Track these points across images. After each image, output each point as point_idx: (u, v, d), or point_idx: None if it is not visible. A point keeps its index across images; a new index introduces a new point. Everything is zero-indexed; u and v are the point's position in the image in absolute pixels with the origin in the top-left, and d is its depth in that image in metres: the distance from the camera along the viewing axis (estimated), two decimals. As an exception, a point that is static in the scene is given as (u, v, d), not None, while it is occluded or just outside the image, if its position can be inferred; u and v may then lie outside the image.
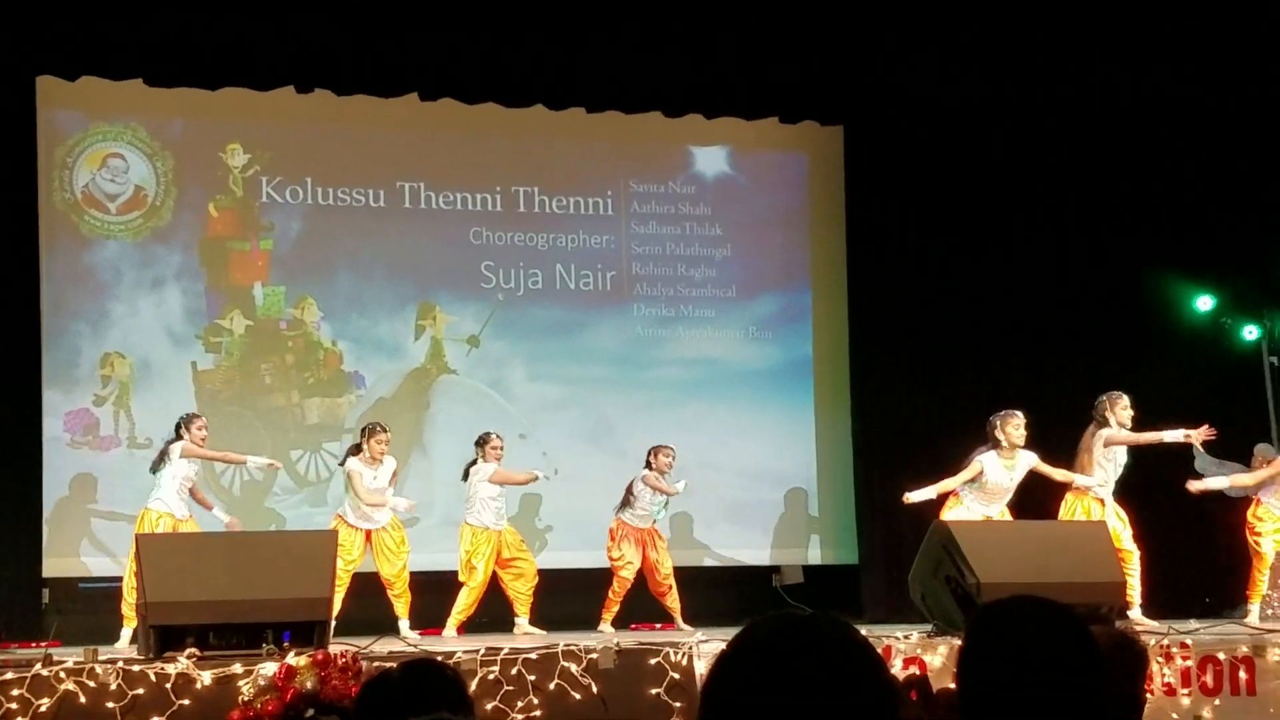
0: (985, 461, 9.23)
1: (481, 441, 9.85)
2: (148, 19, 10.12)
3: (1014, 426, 9.17)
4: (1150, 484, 10.67)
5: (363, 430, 9.79)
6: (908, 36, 11.22)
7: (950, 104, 11.58)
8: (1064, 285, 11.78)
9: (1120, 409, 9.44)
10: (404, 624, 9.42)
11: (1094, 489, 9.41)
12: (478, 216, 11.44)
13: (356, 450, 9.63)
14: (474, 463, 9.83)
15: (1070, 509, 9.47)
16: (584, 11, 10.73)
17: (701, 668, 7.53)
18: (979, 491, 9.27)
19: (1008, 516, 9.35)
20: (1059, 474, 9.35)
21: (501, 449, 9.86)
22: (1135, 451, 9.82)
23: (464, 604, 9.67)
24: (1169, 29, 11.04)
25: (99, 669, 6.96)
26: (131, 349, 10.60)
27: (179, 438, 9.29)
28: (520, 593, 9.78)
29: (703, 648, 7.58)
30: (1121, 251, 11.71)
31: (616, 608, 9.97)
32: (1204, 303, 11.54)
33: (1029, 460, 9.27)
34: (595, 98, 11.43)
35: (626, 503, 10.13)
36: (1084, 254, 11.72)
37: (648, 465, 10.19)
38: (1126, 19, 11.11)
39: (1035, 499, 9.72)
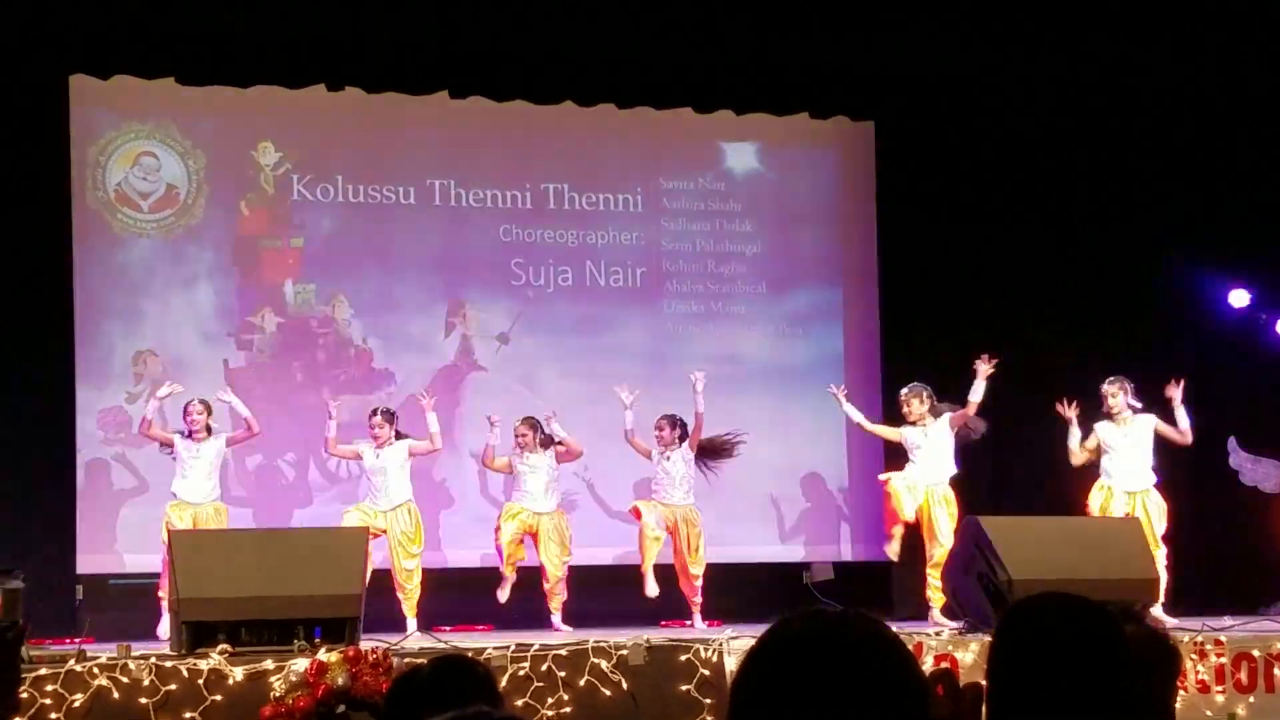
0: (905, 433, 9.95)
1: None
2: (180, 17, 10.17)
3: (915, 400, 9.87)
4: (1187, 477, 10.62)
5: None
6: (938, 31, 11.16)
7: (981, 99, 11.53)
8: (1098, 280, 11.70)
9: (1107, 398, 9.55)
10: (411, 623, 9.33)
11: (1107, 480, 9.47)
12: (507, 214, 11.44)
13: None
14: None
15: (1095, 500, 9.49)
16: (614, 7, 10.72)
17: (732, 664, 7.53)
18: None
19: (944, 486, 9.75)
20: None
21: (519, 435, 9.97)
22: (1168, 446, 9.79)
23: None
24: (1211, 18, 10.94)
25: (132, 665, 7.00)
26: (164, 347, 10.65)
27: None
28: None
29: (733, 644, 7.58)
30: (1156, 246, 11.63)
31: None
32: (1239, 297, 11.45)
33: (942, 425, 9.89)
34: (625, 94, 11.43)
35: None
36: (1118, 249, 11.64)
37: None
38: (1163, 7, 11.02)
39: (1067, 497, 9.70)
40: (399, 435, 9.86)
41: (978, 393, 9.82)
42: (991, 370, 9.83)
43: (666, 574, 10.12)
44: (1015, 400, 10.45)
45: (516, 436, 9.97)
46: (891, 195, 11.93)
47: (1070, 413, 9.69)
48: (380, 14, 10.43)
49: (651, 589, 9.98)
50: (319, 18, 10.36)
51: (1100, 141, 11.53)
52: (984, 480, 11.59)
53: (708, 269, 11.79)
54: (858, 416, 10.25)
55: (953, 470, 9.87)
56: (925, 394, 9.95)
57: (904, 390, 10.08)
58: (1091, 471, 9.74)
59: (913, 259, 11.80)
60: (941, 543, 9.51)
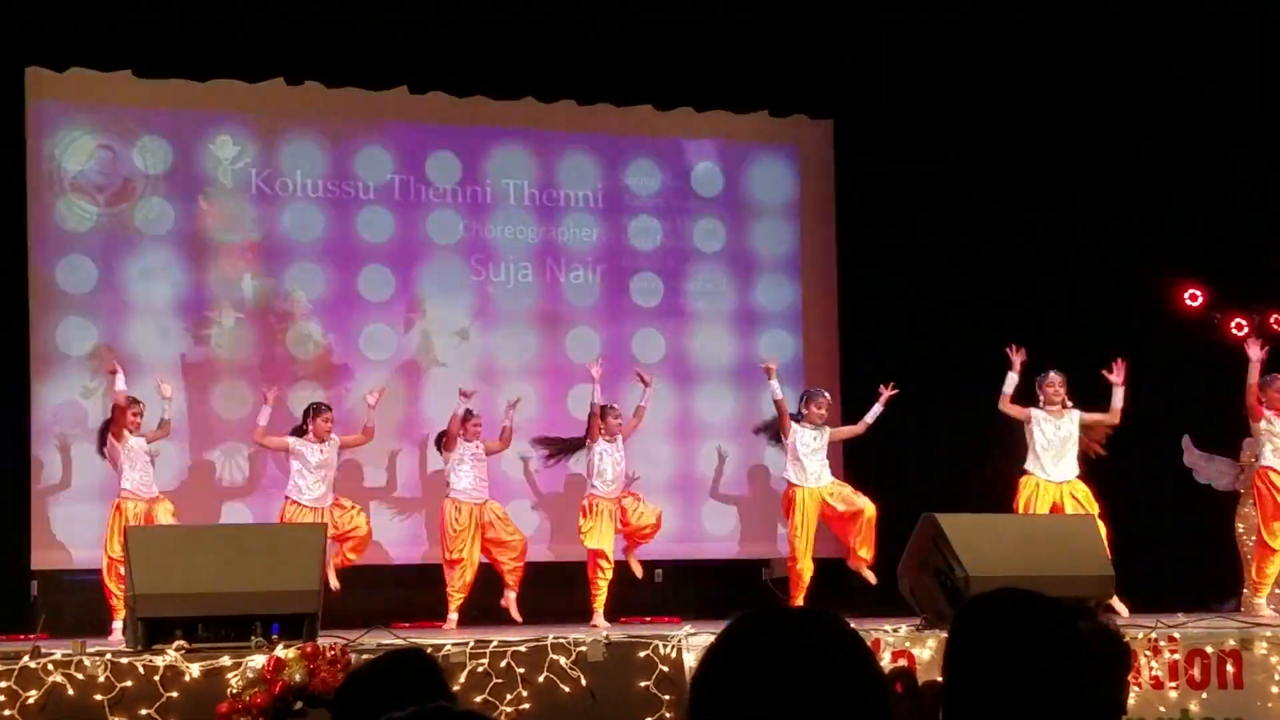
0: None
1: None
2: (137, 10, 10.09)
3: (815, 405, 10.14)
4: (1144, 477, 10.72)
5: (306, 411, 9.88)
6: (897, 30, 11.21)
7: (939, 98, 11.59)
8: (1054, 279, 11.80)
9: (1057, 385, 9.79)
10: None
11: (1034, 471, 9.69)
12: (467, 209, 11.42)
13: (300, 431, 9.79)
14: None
15: (1024, 492, 9.79)
16: (575, 3, 10.71)
17: (690, 660, 7.54)
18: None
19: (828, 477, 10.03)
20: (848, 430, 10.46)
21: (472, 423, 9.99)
22: (1124, 443, 9.91)
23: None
24: (1167, 18, 11.02)
25: (87, 661, 6.96)
26: (120, 341, 10.57)
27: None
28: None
29: (691, 640, 7.60)
30: (1111, 245, 11.73)
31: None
32: (1194, 296, 11.55)
33: (826, 431, 10.15)
34: (586, 90, 11.42)
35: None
36: (1074, 247, 11.73)
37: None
38: (1121, 7, 11.11)
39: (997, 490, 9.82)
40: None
41: (873, 415, 10.19)
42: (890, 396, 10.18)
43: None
44: (974, 400, 10.50)
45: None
46: (850, 193, 11.99)
47: (1017, 358, 9.83)
48: (340, 7, 10.38)
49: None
50: (277, 11, 10.30)
51: (1057, 140, 11.60)
52: (941, 477, 11.69)
53: (667, 265, 11.81)
54: (779, 394, 10.27)
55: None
56: (826, 401, 10.25)
57: (811, 393, 10.30)
58: (1017, 465, 9.88)
59: (872, 256, 11.86)
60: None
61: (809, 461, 9.99)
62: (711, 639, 1.94)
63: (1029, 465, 9.80)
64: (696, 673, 1.90)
